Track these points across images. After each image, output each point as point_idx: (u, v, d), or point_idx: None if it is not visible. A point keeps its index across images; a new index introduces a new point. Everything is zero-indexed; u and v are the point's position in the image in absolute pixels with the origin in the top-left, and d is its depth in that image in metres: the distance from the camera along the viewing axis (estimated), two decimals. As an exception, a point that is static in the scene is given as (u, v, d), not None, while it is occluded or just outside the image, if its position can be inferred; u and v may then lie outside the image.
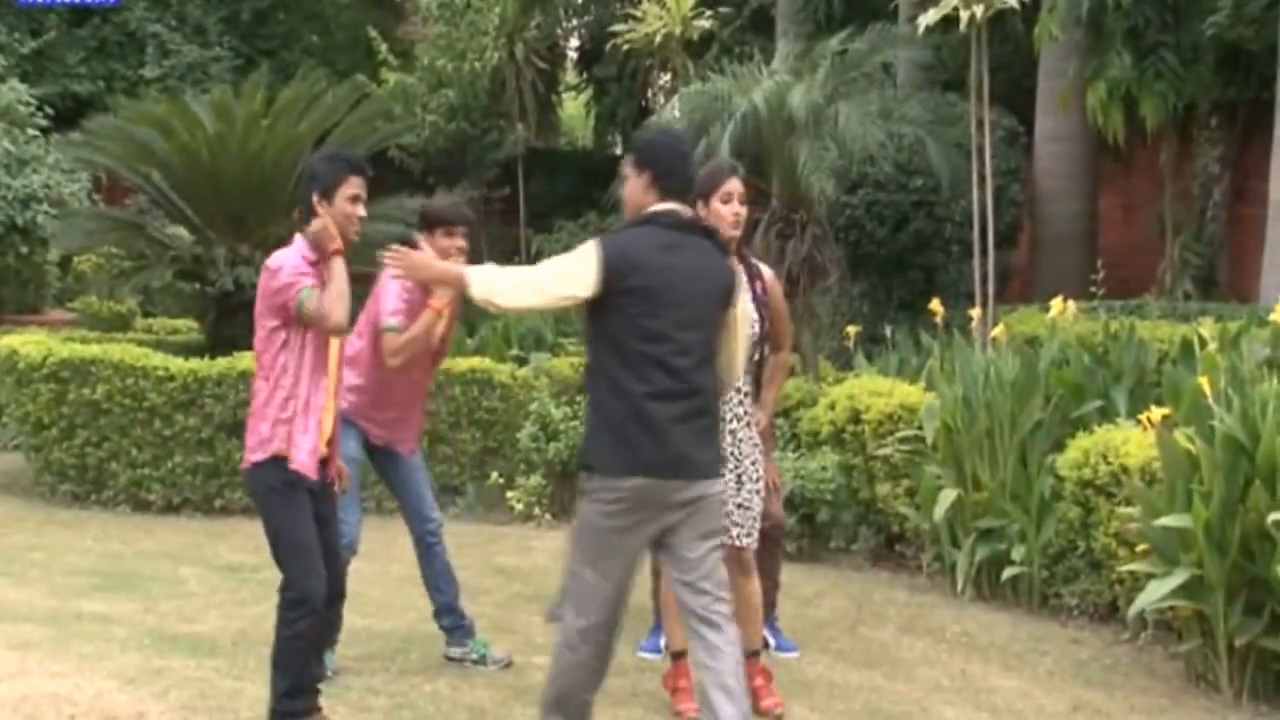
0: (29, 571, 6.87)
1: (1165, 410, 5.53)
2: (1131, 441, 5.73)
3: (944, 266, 12.54)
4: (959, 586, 6.61)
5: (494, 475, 8.58)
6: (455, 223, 5.13)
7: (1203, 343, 6.43)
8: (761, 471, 4.83)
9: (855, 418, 7.35)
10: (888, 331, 9.89)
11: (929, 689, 5.21)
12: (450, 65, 17.47)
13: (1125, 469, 5.65)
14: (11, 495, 9.15)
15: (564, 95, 23.72)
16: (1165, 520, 5.08)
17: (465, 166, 18.03)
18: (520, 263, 9.75)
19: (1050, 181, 13.84)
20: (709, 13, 12.95)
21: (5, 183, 13.06)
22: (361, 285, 4.59)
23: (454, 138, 17.59)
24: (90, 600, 6.26)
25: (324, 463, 4.32)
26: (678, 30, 12.36)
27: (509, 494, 8.40)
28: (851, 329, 9.25)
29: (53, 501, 8.86)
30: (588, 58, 21.61)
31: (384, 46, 18.25)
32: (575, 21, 22.06)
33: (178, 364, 8.56)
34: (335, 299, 4.14)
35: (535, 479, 8.40)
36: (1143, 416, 5.62)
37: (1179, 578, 5.01)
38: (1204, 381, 5.40)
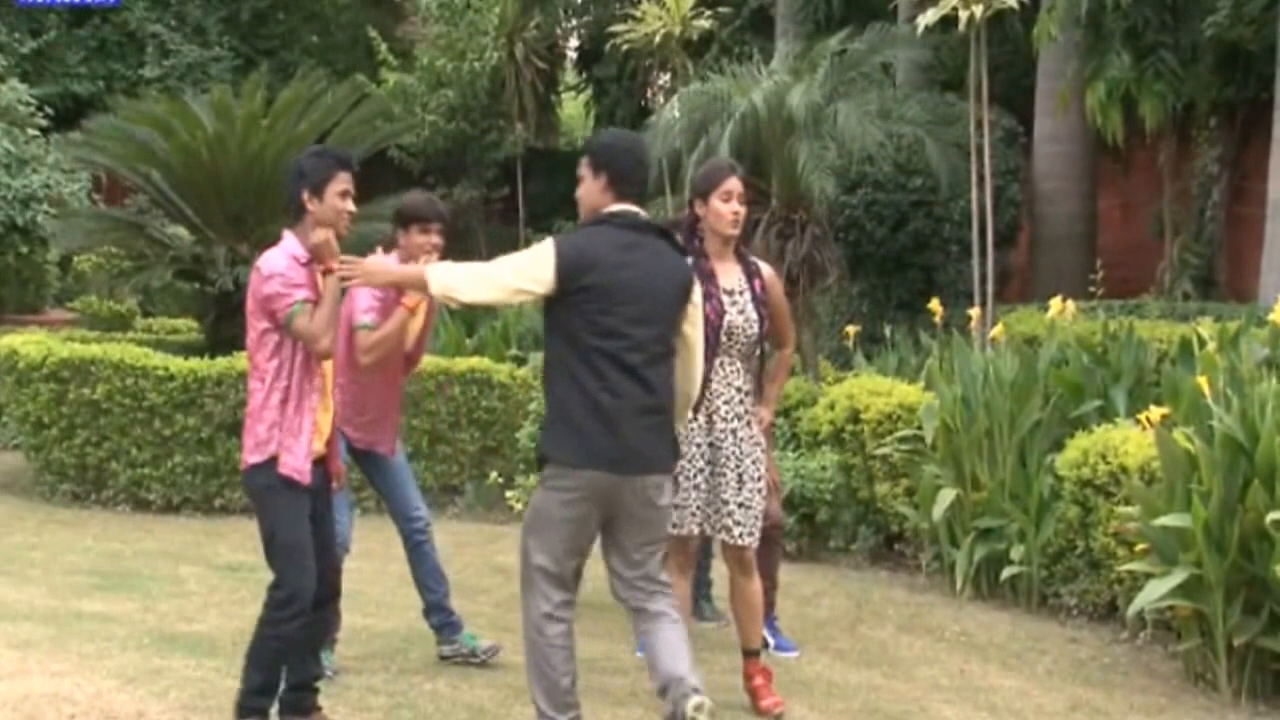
0: (29, 571, 6.87)
1: (1164, 410, 5.54)
2: (1130, 441, 5.74)
3: (943, 266, 12.54)
4: (958, 586, 6.62)
5: (493, 475, 8.59)
6: (430, 219, 5.12)
7: (1202, 342, 6.43)
8: (763, 470, 4.82)
9: (855, 417, 7.35)
10: (887, 331, 9.90)
11: (928, 688, 5.22)
12: (450, 65, 17.49)
13: (1124, 469, 5.65)
14: (11, 495, 9.16)
15: (563, 95, 23.71)
16: (1164, 520, 5.08)
17: (465, 166, 18.05)
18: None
19: (1049, 181, 13.84)
20: (708, 13, 12.91)
21: (5, 183, 13.06)
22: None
23: (453, 138, 17.61)
24: (90, 599, 6.26)
25: (321, 462, 4.32)
26: (677, 30, 12.32)
27: (508, 493, 8.39)
28: (851, 329, 9.26)
29: (53, 501, 8.86)
30: (587, 58, 21.60)
31: (384, 46, 18.27)
32: (575, 21, 22.06)
33: (178, 364, 8.57)
34: (326, 324, 4.13)
35: (534, 478, 8.39)
36: (1142, 416, 5.63)
37: (1178, 577, 5.02)
38: (1203, 381, 5.41)
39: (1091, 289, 10.55)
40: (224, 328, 10.15)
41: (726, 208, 4.73)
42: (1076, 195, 13.87)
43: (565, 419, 4.02)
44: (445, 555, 7.21)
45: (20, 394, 8.80)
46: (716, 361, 4.72)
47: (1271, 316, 6.37)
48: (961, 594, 6.60)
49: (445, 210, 5.24)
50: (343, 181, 4.27)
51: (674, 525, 4.70)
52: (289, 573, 4.20)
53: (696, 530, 4.75)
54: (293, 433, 4.17)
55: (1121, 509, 5.58)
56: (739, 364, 4.78)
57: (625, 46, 13.25)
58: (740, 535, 4.73)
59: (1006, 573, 6.36)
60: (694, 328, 4.22)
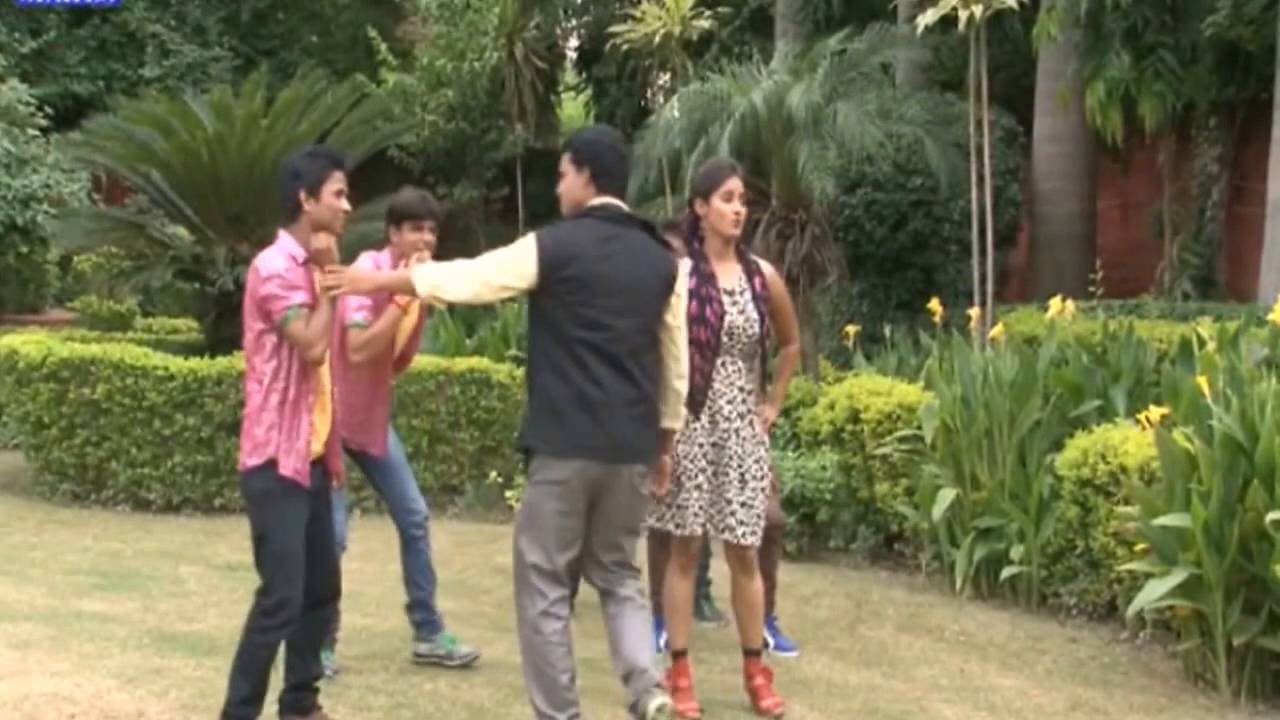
0: (29, 570, 6.87)
1: (1164, 410, 5.54)
2: (1130, 441, 5.74)
3: (943, 266, 12.55)
4: (958, 586, 6.62)
5: (493, 474, 8.59)
6: (422, 216, 5.11)
7: (1201, 342, 6.43)
8: (766, 469, 4.83)
9: (854, 417, 7.36)
10: (887, 331, 9.90)
11: (928, 688, 5.22)
12: (450, 65, 17.48)
13: (1124, 468, 5.66)
14: (11, 495, 9.16)
15: (563, 95, 23.69)
16: (1164, 520, 5.09)
17: (464, 166, 18.04)
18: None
19: (1049, 181, 13.85)
20: (708, 13, 12.91)
21: (5, 183, 13.05)
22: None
23: (453, 137, 17.60)
24: (90, 599, 6.26)
25: (319, 462, 4.31)
26: (677, 30, 12.32)
27: (508, 493, 8.39)
28: (851, 328, 9.26)
29: (53, 500, 8.86)
30: (587, 58, 21.58)
31: (384, 46, 18.26)
32: (574, 21, 22.05)
33: (177, 363, 8.57)
34: (320, 332, 4.13)
35: (534, 478, 8.40)
36: (1141, 416, 5.63)
37: (1177, 577, 5.02)
38: (1202, 381, 5.41)
39: (1091, 289, 10.54)
40: (224, 328, 10.15)
41: (728, 207, 4.73)
42: (1076, 195, 13.88)
43: (550, 409, 4.07)
44: (445, 555, 7.26)
45: (20, 394, 8.80)
46: (719, 361, 4.72)
47: (1271, 316, 6.37)
48: (961, 594, 6.60)
49: (438, 207, 5.24)
50: (338, 181, 4.28)
51: (677, 526, 4.71)
52: (278, 581, 4.17)
53: (700, 531, 4.75)
54: (291, 435, 4.16)
55: (1121, 509, 5.58)
56: (741, 363, 4.78)
57: (625, 46, 13.25)
58: (743, 535, 4.74)
59: (1006, 573, 6.37)
60: (675, 318, 4.26)
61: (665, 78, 16.68)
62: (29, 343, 9.02)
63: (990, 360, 6.86)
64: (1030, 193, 13.78)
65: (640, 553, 4.54)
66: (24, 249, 13.67)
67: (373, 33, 18.53)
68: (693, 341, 4.61)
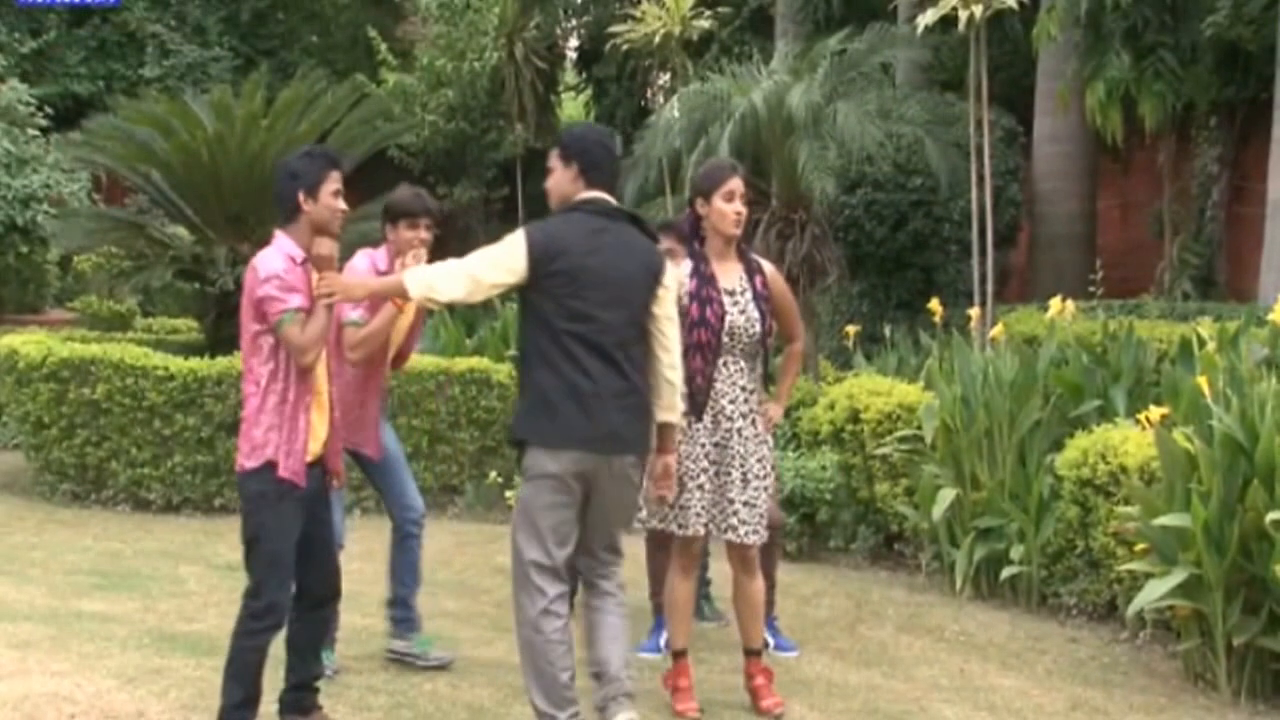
0: (29, 570, 6.87)
1: (1164, 410, 5.54)
2: (1130, 441, 5.74)
3: (943, 266, 12.55)
4: (958, 586, 6.62)
5: (493, 474, 8.59)
6: (417, 214, 5.11)
7: (1201, 342, 6.43)
8: (769, 468, 4.82)
9: (854, 417, 7.36)
10: (887, 331, 9.90)
11: (928, 688, 5.22)
12: (450, 65, 17.48)
13: (1124, 468, 5.66)
14: (11, 495, 9.16)
15: (563, 95, 23.68)
16: (1164, 520, 5.09)
17: (464, 166, 18.04)
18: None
19: (1049, 181, 13.85)
20: (708, 13, 12.90)
21: (5, 183, 13.06)
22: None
23: (453, 137, 17.60)
24: (90, 599, 6.26)
25: (317, 463, 4.30)
26: (677, 30, 12.31)
27: (508, 493, 8.38)
28: (851, 328, 9.27)
29: (53, 500, 8.87)
30: (587, 58, 21.57)
31: (384, 46, 18.26)
32: (574, 21, 22.02)
33: (177, 363, 8.57)
34: (316, 338, 4.13)
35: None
36: (1141, 416, 5.63)
37: (1177, 577, 5.02)
38: (1202, 381, 5.41)
39: (1091, 289, 10.55)
40: (224, 327, 10.15)
41: (729, 207, 4.74)
42: (1076, 195, 13.88)
43: (541, 402, 4.09)
44: (445, 555, 7.27)
45: (20, 394, 8.80)
46: (720, 361, 4.72)
47: (1271, 316, 6.37)
48: (961, 594, 6.60)
49: (434, 205, 5.24)
50: (335, 181, 4.28)
51: (679, 526, 4.71)
52: (269, 584, 4.15)
53: (702, 531, 4.75)
54: (290, 436, 4.15)
55: (1121, 509, 5.58)
56: (743, 363, 4.78)
57: (625, 46, 13.25)
58: (745, 534, 4.74)
59: (1006, 572, 6.37)
60: (662, 307, 4.27)
61: (665, 78, 16.67)
62: (29, 343, 9.02)
63: (990, 360, 6.86)
64: (1030, 193, 13.78)
65: (640, 553, 4.55)
66: (24, 249, 13.67)
67: (373, 33, 18.53)
68: (694, 344, 4.62)
